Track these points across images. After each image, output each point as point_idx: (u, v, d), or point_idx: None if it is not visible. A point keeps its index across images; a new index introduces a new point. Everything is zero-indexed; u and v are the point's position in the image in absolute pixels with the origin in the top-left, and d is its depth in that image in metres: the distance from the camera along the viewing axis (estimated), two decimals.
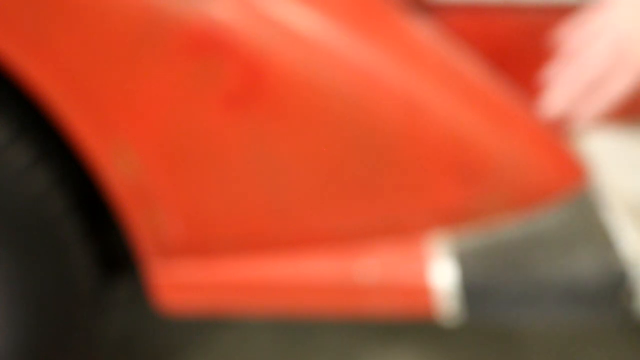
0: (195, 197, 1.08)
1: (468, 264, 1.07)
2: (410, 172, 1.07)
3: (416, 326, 1.61)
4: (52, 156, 1.12)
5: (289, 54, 1.00)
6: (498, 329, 1.59)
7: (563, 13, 1.16)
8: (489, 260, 1.08)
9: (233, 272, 1.13)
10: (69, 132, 1.04)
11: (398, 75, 1.04)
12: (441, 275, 1.07)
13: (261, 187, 1.07)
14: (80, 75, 0.99)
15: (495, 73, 1.20)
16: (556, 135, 1.14)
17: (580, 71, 0.98)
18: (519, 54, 1.21)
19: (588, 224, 1.12)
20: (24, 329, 1.17)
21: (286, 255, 1.12)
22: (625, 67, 0.94)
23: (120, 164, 1.05)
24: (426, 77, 1.06)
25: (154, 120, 1.03)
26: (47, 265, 1.14)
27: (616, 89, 0.96)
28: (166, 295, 1.14)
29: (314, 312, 1.14)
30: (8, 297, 1.14)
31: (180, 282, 1.14)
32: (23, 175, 1.08)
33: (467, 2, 1.20)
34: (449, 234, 1.12)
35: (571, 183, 1.17)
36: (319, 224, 1.10)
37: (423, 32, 1.12)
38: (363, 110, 1.03)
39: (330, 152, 1.05)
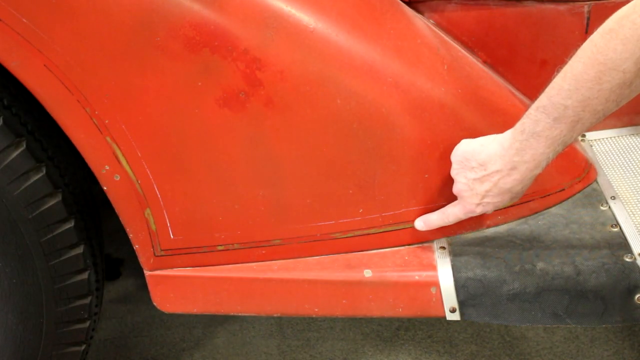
0: (192, 197, 1.07)
1: (469, 262, 1.07)
2: (411, 169, 1.07)
3: (412, 333, 1.61)
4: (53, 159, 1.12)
5: (287, 50, 1.00)
6: (498, 327, 1.59)
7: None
8: (491, 258, 1.08)
9: (232, 272, 1.13)
10: (67, 133, 1.04)
11: (400, 72, 1.04)
12: (442, 274, 1.07)
13: (260, 185, 1.07)
14: (74, 72, 0.98)
15: (495, 67, 1.20)
16: None
17: None
18: (517, 45, 1.21)
19: (592, 221, 1.12)
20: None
21: (287, 255, 1.13)
22: None
23: (117, 165, 1.05)
24: (427, 73, 1.05)
25: (150, 118, 1.02)
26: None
27: None
28: (164, 295, 1.14)
29: (315, 312, 1.14)
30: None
31: (179, 282, 1.14)
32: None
33: None
34: (451, 231, 1.12)
35: (575, 180, 1.17)
36: (318, 221, 1.10)
37: (424, 28, 1.12)
38: (365, 107, 1.03)
39: (331, 150, 1.05)
